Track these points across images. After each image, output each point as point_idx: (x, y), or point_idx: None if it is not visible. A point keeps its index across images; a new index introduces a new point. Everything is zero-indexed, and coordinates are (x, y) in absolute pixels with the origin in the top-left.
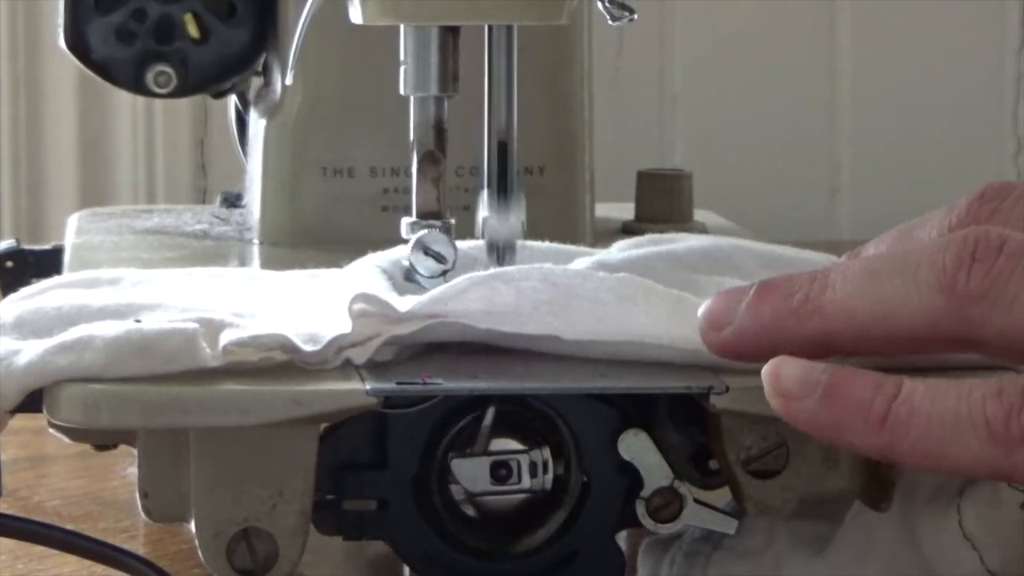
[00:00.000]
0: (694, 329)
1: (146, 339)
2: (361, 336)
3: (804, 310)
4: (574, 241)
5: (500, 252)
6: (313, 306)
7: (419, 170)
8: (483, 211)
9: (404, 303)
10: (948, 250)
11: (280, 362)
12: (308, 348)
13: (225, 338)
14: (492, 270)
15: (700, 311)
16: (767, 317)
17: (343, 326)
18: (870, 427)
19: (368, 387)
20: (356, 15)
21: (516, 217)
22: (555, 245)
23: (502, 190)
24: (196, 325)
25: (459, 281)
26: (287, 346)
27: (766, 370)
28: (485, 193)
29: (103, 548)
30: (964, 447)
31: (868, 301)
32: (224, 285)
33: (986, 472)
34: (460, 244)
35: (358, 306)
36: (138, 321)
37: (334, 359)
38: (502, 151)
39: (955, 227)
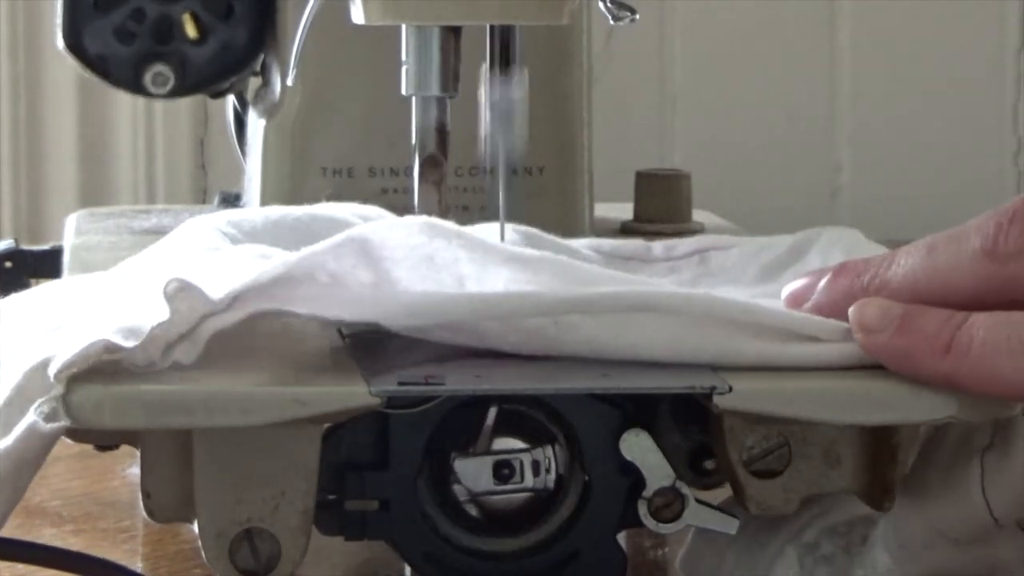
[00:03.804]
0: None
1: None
2: (183, 323)
3: (872, 286)
4: None
5: (502, 117)
6: (137, 295)
7: (421, 173)
8: (485, 69)
9: (220, 288)
10: (992, 219)
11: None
12: (130, 344)
13: (52, 369)
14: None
15: (784, 291)
16: (839, 294)
17: (162, 314)
18: (936, 354)
19: (371, 387)
20: (358, 15)
21: (518, 79)
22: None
23: (504, 57)
24: (28, 417)
25: (278, 266)
26: (110, 347)
27: (852, 310)
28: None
29: (71, 559)
30: (1014, 369)
31: (926, 272)
32: (42, 309)
33: None
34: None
35: (172, 287)
36: None
37: (162, 361)
38: None
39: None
